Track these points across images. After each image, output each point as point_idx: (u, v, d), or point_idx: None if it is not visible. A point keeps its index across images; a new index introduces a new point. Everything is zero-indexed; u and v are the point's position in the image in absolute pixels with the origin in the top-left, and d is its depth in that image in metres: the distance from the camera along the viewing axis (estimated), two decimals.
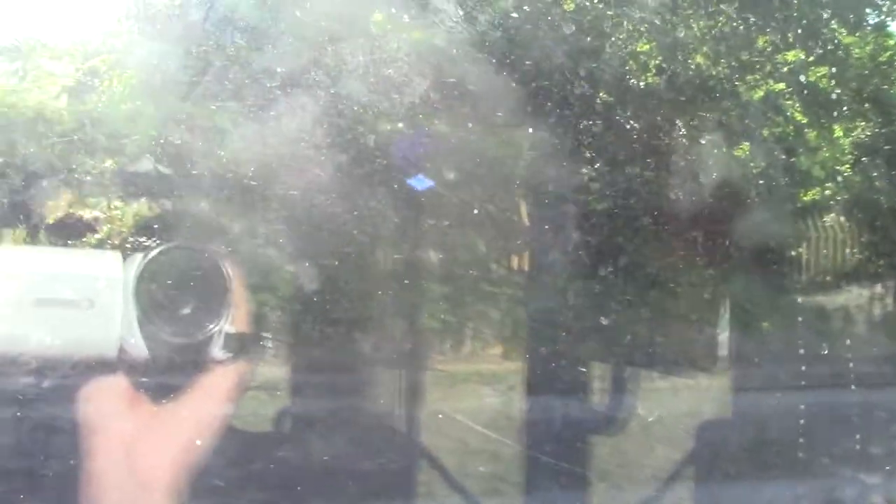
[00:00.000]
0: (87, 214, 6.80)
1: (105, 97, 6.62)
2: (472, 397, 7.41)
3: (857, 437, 5.81)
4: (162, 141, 5.96)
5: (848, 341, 7.04)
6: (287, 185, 5.23)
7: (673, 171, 6.74)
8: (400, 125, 5.60)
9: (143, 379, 0.98)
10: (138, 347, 0.97)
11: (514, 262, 7.59)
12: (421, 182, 5.99)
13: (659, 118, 6.57)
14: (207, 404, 1.01)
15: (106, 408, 0.99)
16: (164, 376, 0.99)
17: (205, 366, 1.01)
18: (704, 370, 7.43)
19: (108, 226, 6.69)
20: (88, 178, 6.41)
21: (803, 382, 6.43)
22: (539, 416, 6.38)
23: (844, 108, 8.74)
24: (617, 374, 6.57)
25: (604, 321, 6.40)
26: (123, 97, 6.46)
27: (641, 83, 6.93)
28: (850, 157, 8.63)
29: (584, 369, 6.37)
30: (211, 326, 1.01)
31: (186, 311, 1.01)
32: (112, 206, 6.62)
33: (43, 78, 7.05)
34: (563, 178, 6.02)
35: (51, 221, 6.58)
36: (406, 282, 6.72)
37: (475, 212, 6.39)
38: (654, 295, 6.92)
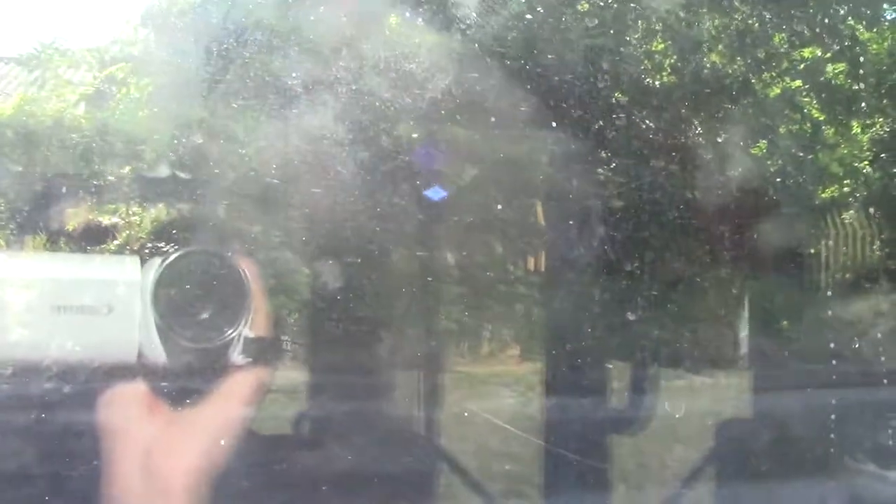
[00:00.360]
0: (105, 221, 6.85)
1: (123, 104, 6.67)
2: (492, 398, 7.40)
3: (880, 435, 5.77)
4: (179, 146, 5.99)
5: (869, 339, 6.98)
6: (305, 187, 5.24)
7: (690, 171, 6.71)
8: (418, 125, 5.62)
9: (163, 384, 0.98)
10: (157, 353, 0.97)
11: (532, 262, 7.59)
12: (437, 192, 6.01)
13: (675, 118, 6.54)
14: (227, 409, 1.01)
15: (126, 413, 1.00)
16: (183, 381, 0.99)
17: (224, 371, 1.01)
18: (724, 369, 7.40)
19: (127, 232, 6.74)
20: (107, 184, 6.45)
21: (824, 381, 6.39)
22: (558, 417, 6.37)
23: (862, 105, 8.67)
24: (636, 374, 6.55)
25: (622, 321, 6.38)
26: (141, 104, 6.50)
27: (657, 83, 6.91)
28: (868, 153, 8.57)
29: (604, 369, 6.35)
30: (230, 331, 1.01)
31: (205, 315, 1.01)
32: (131, 212, 6.67)
33: (61, 86, 7.11)
34: (581, 178, 6.01)
35: (70, 228, 6.63)
36: (424, 283, 6.73)
37: (493, 213, 6.39)
38: (671, 294, 6.89)
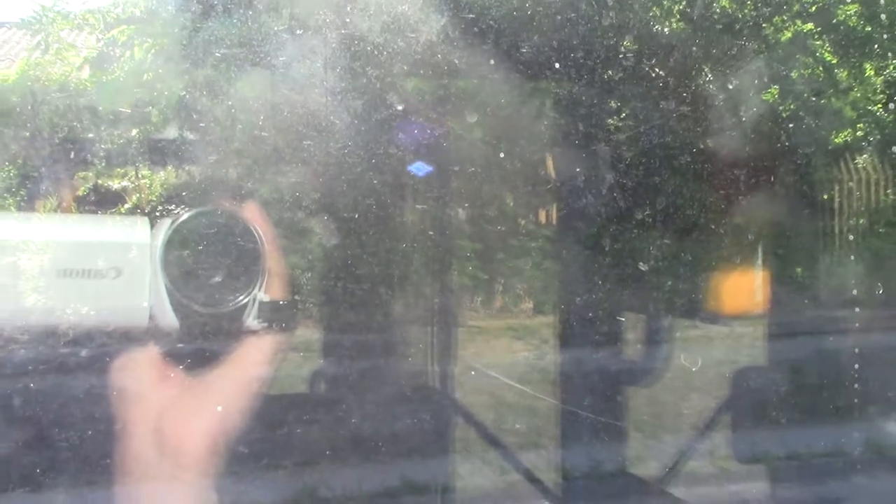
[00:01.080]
0: (115, 184, 6.83)
1: (128, 66, 6.61)
2: (506, 352, 7.41)
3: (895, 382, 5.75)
4: (186, 107, 5.95)
5: (885, 284, 6.95)
6: (315, 144, 5.20)
7: (701, 117, 6.63)
8: (420, 77, 5.55)
9: (175, 349, 0.95)
10: (168, 317, 0.94)
11: (543, 215, 7.55)
12: (421, 169, 5.97)
13: (685, 64, 6.45)
14: (241, 375, 0.99)
15: (137, 378, 0.97)
16: (196, 346, 0.96)
17: (238, 335, 0.97)
18: (739, 318, 7.38)
19: (137, 195, 6.72)
20: (115, 148, 6.42)
21: (840, 328, 6.37)
22: (573, 369, 6.38)
23: (875, 46, 8.54)
24: (651, 325, 6.54)
25: (635, 271, 6.36)
26: (146, 65, 6.45)
27: (666, 29, 6.81)
28: (882, 96, 8.45)
29: (618, 320, 6.34)
30: (243, 295, 0.97)
31: (217, 279, 0.97)
32: (140, 175, 6.65)
33: (65, 50, 7.05)
34: (591, 127, 5.95)
35: (80, 193, 6.62)
36: (436, 239, 6.71)
37: (502, 164, 6.35)
38: (684, 243, 6.85)
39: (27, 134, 6.07)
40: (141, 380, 0.97)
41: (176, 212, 0.95)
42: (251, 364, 0.99)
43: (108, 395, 0.94)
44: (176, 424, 0.96)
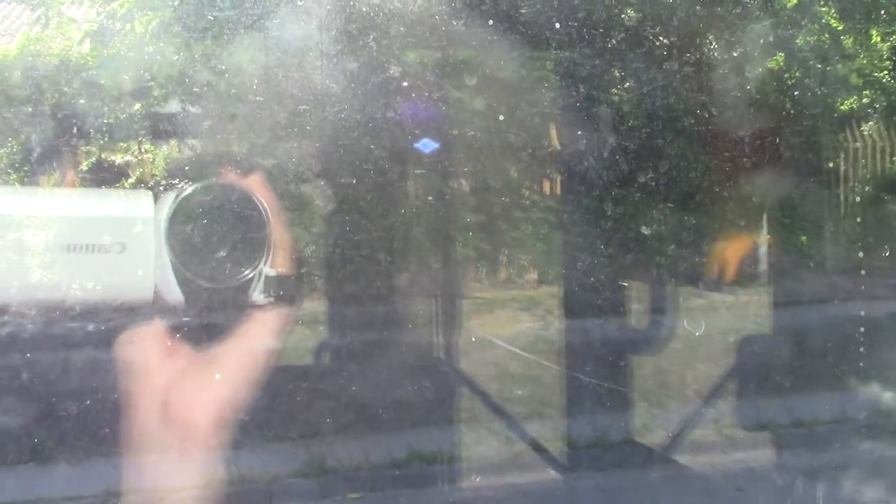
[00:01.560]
0: (118, 159, 6.83)
1: (128, 40, 6.58)
2: (512, 323, 7.42)
3: None
4: (188, 80, 5.93)
5: (890, 253, 6.93)
6: (319, 117, 5.19)
7: (705, 85, 6.60)
8: (424, 45, 5.53)
9: (180, 324, 0.95)
10: (174, 292, 0.93)
11: (547, 184, 7.53)
12: (427, 146, 5.95)
13: (690, 31, 6.40)
14: (247, 349, 0.98)
15: (143, 353, 0.98)
16: (202, 321, 0.96)
17: (244, 310, 0.97)
18: (744, 285, 7.37)
19: (140, 169, 6.72)
20: (118, 122, 6.41)
21: (845, 296, 6.37)
22: (578, 339, 6.40)
23: (882, 12, 8.48)
24: (655, 293, 6.55)
25: (639, 239, 6.36)
26: (146, 39, 6.41)
27: None
28: (888, 62, 8.40)
29: (622, 288, 6.35)
30: (248, 270, 0.97)
31: (222, 253, 0.96)
32: (143, 150, 6.64)
33: (65, 24, 7.00)
34: (594, 94, 5.92)
35: (83, 168, 6.62)
36: (439, 210, 6.71)
37: (506, 134, 6.32)
38: (689, 212, 6.84)
39: (29, 109, 6.05)
40: (146, 355, 0.97)
41: (180, 186, 0.95)
42: (257, 338, 0.99)
43: (114, 369, 0.94)
44: (182, 399, 0.96)
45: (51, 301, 0.87)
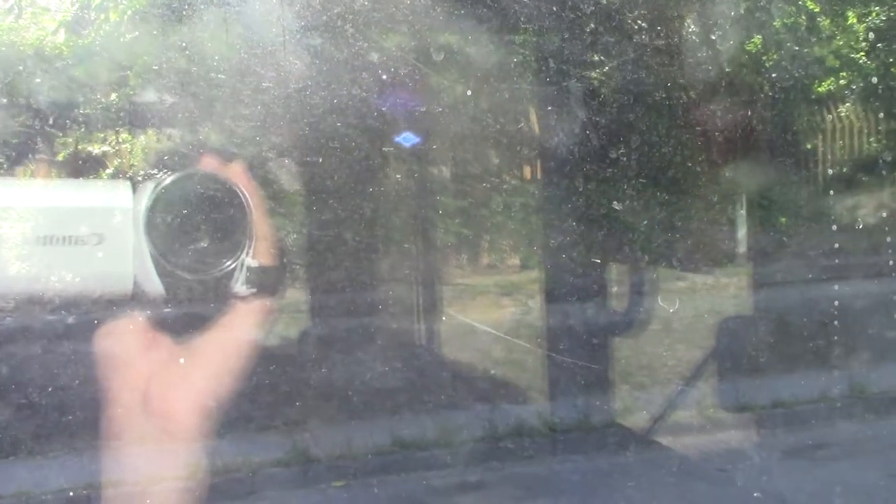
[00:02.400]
0: (95, 150, 6.77)
1: (103, 30, 6.52)
2: (493, 308, 7.44)
3: (877, 327, 5.82)
4: (163, 69, 5.88)
5: (867, 233, 6.99)
6: (298, 104, 5.17)
7: (685, 68, 6.61)
8: (403, 32, 5.51)
9: (160, 316, 0.95)
10: (154, 284, 0.93)
11: (525, 169, 7.53)
12: (409, 139, 5.95)
13: (668, 14, 6.41)
14: (229, 341, 0.98)
15: (123, 346, 0.97)
16: (182, 313, 0.95)
17: (226, 302, 0.97)
18: (724, 266, 7.42)
19: (118, 160, 6.67)
20: (94, 112, 6.36)
21: (824, 276, 6.42)
22: (559, 322, 6.42)
23: None
24: (635, 276, 6.59)
25: (616, 222, 6.38)
26: (121, 28, 6.36)
27: None
28: (864, 43, 8.44)
29: (600, 271, 6.38)
30: (229, 261, 0.96)
31: (203, 244, 0.96)
32: (120, 140, 6.59)
33: (39, 14, 6.94)
34: (570, 79, 5.92)
35: (60, 158, 6.56)
36: (420, 198, 6.72)
37: (483, 122, 6.32)
38: (668, 195, 6.87)
39: (3, 101, 6.00)
40: (126, 347, 0.97)
41: (159, 175, 0.94)
42: (239, 329, 0.99)
43: (93, 361, 0.93)
44: (162, 390, 0.96)
45: (28, 293, 0.86)
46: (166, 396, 0.95)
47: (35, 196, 0.92)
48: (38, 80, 6.18)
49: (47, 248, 0.88)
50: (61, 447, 4.41)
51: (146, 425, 0.95)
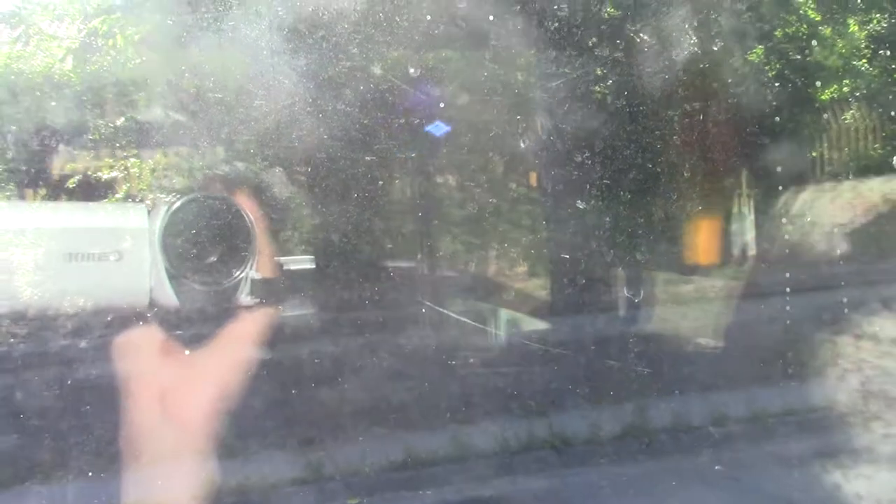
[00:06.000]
0: (105, 174, 6.84)
1: (110, 56, 6.61)
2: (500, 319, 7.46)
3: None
4: (172, 94, 5.96)
5: (874, 241, 7.00)
6: (301, 122, 5.22)
7: (688, 81, 6.67)
8: (405, 50, 5.58)
9: (176, 325, 1.02)
10: (168, 296, 1.01)
11: (533, 179, 7.56)
12: (439, 128, 5.99)
13: (671, 29, 6.47)
14: (237, 349, 1.05)
15: (139, 356, 1.03)
16: (194, 323, 1.02)
17: (233, 311, 1.05)
18: (729, 275, 7.43)
19: (127, 184, 6.74)
20: (102, 138, 6.45)
21: (831, 284, 6.43)
22: (563, 337, 6.46)
23: (858, 1, 8.57)
24: (633, 287, 6.64)
25: (623, 234, 6.42)
26: (128, 54, 6.45)
27: None
28: (866, 50, 8.48)
29: (608, 283, 6.42)
30: (237, 273, 1.04)
31: (212, 259, 1.04)
32: (130, 164, 6.67)
33: (46, 41, 7.03)
34: (574, 92, 5.97)
35: (70, 185, 6.63)
36: (425, 211, 6.77)
37: (490, 134, 6.37)
38: (675, 202, 6.92)
39: (14, 128, 6.08)
40: (146, 355, 1.03)
41: (171, 199, 1.03)
42: (247, 336, 1.06)
43: (115, 370, 1.00)
44: (181, 397, 1.02)
45: (57, 304, 0.94)
46: (183, 403, 1.00)
47: (61, 218, 1.00)
48: (46, 107, 6.26)
49: (74, 265, 0.96)
50: (80, 455, 4.45)
51: (165, 436, 1.00)
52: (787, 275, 6.12)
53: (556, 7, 5.64)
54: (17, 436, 4.54)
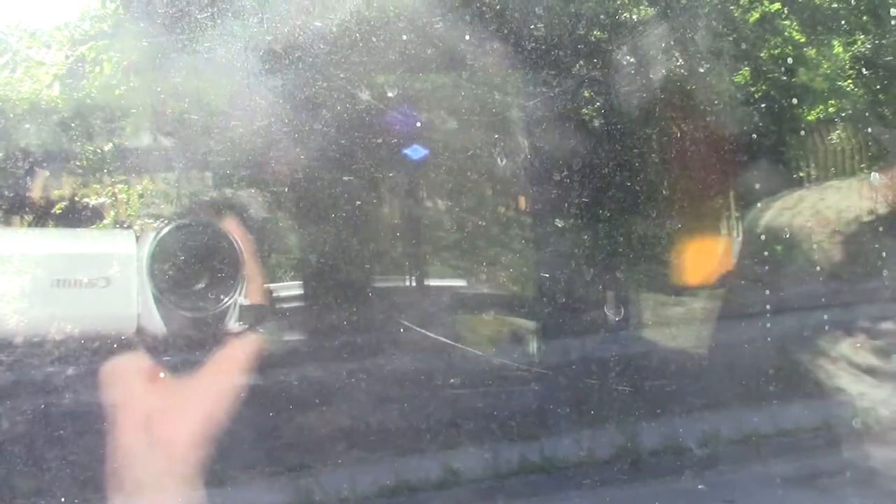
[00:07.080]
0: (92, 200, 6.81)
1: (97, 82, 6.61)
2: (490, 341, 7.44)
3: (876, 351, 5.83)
4: (158, 120, 5.96)
5: (863, 260, 7.02)
6: (288, 149, 5.22)
7: (674, 102, 6.70)
8: (393, 70, 5.59)
9: (163, 352, 1.00)
10: (156, 323, 0.99)
11: (522, 202, 7.57)
12: (417, 152, 6.01)
13: (654, 50, 6.51)
14: (225, 375, 1.04)
15: (127, 383, 1.02)
16: (182, 350, 1.01)
17: (221, 338, 1.03)
18: (716, 295, 7.42)
19: (115, 210, 6.72)
20: (89, 164, 6.43)
21: (819, 302, 6.44)
22: (553, 358, 6.44)
23: (843, 23, 8.64)
24: (624, 298, 6.65)
25: (611, 254, 6.43)
26: (115, 80, 6.45)
27: (635, 16, 6.86)
28: (851, 71, 8.55)
29: (598, 304, 6.42)
30: (225, 300, 1.03)
31: (200, 285, 1.03)
32: (117, 190, 6.64)
33: (34, 68, 7.03)
34: (554, 112, 5.99)
35: (57, 211, 6.60)
36: (414, 234, 6.76)
37: (478, 159, 6.38)
38: (666, 222, 6.94)
39: (0, 154, 6.05)
40: (131, 382, 1.02)
41: (158, 225, 1.01)
42: (234, 365, 1.04)
43: (102, 397, 0.98)
44: (167, 424, 1.00)
45: (44, 330, 0.92)
46: (169, 431, 0.98)
47: (48, 244, 0.99)
48: (34, 133, 6.24)
49: (61, 291, 0.94)
50: (64, 478, 4.40)
51: (151, 463, 0.98)
52: (768, 292, 6.14)
53: (533, 27, 5.68)
54: (1, 464, 4.49)
